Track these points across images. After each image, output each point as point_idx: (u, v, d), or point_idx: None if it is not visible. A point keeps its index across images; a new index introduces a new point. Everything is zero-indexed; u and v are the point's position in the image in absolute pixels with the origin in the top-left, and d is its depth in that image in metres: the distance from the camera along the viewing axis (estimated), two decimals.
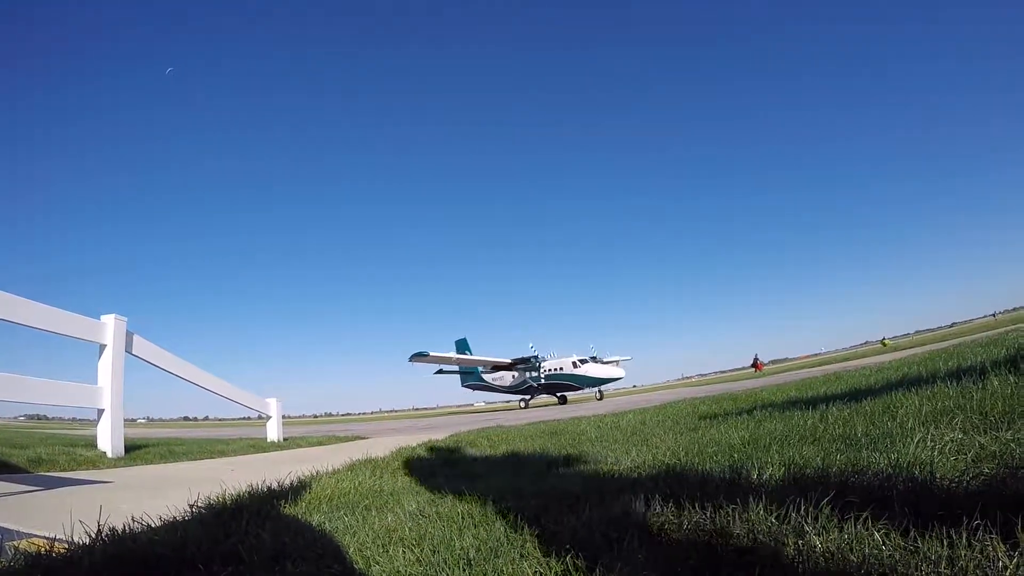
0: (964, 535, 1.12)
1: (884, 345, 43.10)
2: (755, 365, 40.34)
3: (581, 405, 19.84)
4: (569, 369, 28.89)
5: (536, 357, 30.12)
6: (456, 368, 33.43)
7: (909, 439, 2.07)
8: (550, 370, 29.56)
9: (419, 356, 27.43)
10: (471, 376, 34.17)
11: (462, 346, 35.94)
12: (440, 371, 33.25)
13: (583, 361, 28.87)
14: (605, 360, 31.05)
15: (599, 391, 28.48)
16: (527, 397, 30.93)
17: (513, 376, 31.47)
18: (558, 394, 30.09)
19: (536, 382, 29.72)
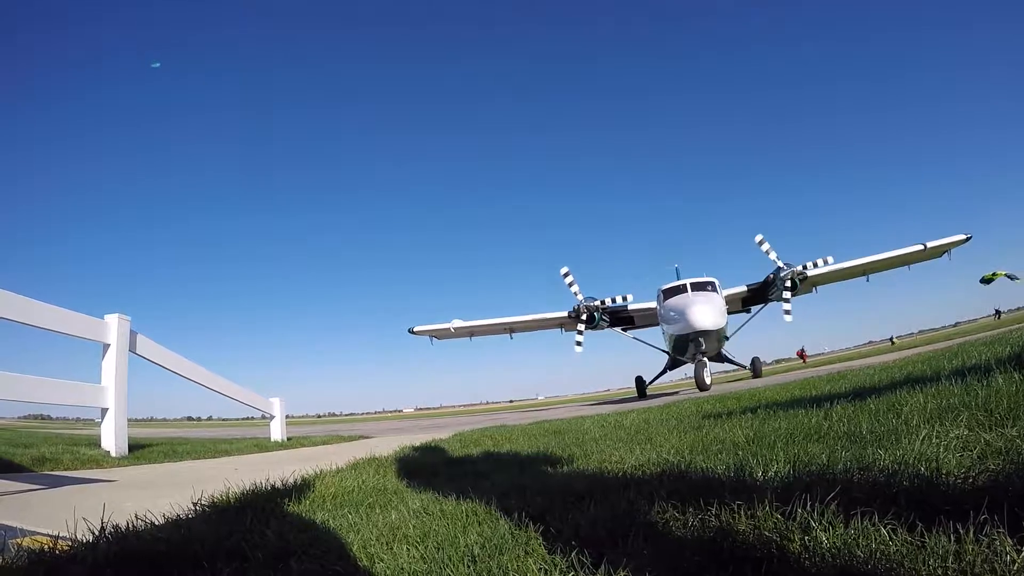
0: (971, 530, 1.11)
1: (893, 343, 43.82)
2: (801, 356, 41.42)
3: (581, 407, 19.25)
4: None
5: (585, 299, 17.39)
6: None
7: (914, 436, 2.06)
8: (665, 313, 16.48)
9: (411, 331, 20.12)
10: None
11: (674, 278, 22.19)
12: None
13: (672, 291, 16.15)
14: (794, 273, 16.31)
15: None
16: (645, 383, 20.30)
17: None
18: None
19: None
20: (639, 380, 20.82)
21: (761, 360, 20.57)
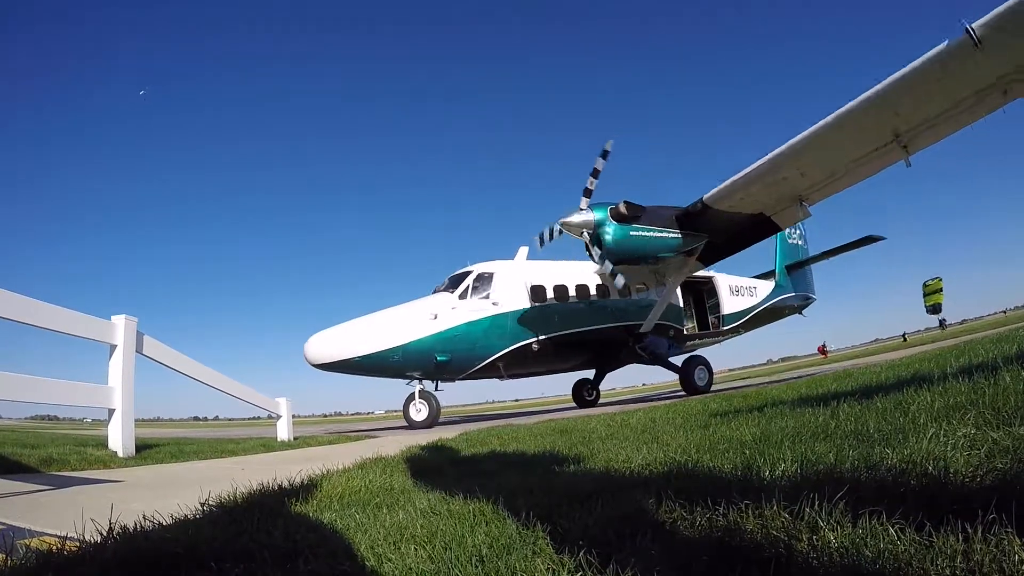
0: (979, 530, 1.11)
1: (905, 340, 44.44)
2: (821, 352, 41.99)
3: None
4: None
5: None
6: None
7: (922, 435, 2.05)
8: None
9: None
10: None
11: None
12: None
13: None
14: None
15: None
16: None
17: None
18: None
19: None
20: (577, 385, 14.77)
21: (706, 364, 13.02)
